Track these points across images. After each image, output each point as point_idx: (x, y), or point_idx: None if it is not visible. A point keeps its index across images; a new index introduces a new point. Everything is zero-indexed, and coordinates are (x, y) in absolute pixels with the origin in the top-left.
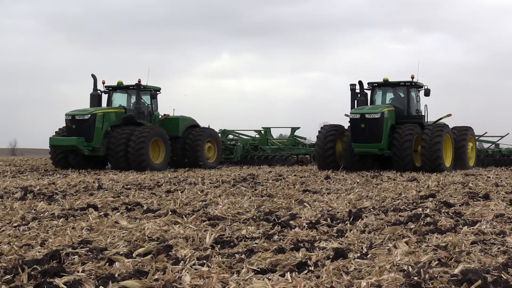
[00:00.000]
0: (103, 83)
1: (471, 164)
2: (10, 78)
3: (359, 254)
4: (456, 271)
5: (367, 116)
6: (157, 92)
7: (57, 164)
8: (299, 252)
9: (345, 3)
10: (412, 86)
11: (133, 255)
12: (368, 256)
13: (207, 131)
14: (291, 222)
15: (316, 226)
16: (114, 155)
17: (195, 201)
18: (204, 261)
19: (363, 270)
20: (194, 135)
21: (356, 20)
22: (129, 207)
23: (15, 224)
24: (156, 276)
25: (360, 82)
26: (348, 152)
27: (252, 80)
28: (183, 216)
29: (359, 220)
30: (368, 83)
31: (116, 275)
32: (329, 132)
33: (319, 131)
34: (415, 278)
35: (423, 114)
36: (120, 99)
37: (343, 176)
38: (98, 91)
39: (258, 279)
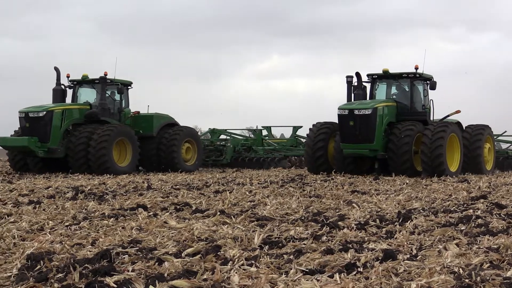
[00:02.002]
0: (68, 77)
1: (488, 167)
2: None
3: (408, 256)
4: (509, 273)
5: (356, 112)
6: (128, 87)
7: (15, 167)
8: (347, 253)
9: (396, 3)
10: (416, 78)
11: (182, 255)
12: (417, 258)
13: (185, 130)
14: (339, 223)
15: (365, 227)
16: (74, 157)
17: (244, 201)
18: (253, 262)
19: (412, 271)
20: (169, 135)
21: (407, 19)
22: (178, 207)
23: (67, 224)
24: (204, 276)
25: (358, 74)
26: (339, 153)
27: (302, 80)
28: (232, 216)
29: (409, 221)
30: (368, 75)
31: (165, 275)
32: (321, 130)
33: (309, 129)
34: (466, 280)
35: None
36: (87, 95)
37: (392, 177)
38: (62, 86)
39: (306, 280)
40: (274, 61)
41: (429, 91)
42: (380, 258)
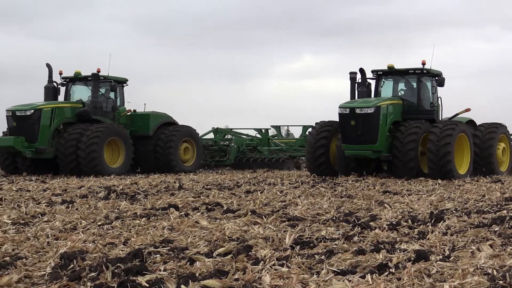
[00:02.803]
0: (60, 73)
1: (503, 169)
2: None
3: (441, 257)
4: None
5: (357, 111)
6: (124, 84)
7: (5, 168)
8: (379, 254)
9: (428, 2)
10: (423, 74)
11: (214, 254)
12: (450, 259)
13: (183, 129)
14: (371, 223)
15: (397, 227)
16: (64, 158)
17: (275, 201)
18: (284, 262)
19: (445, 273)
20: (166, 134)
21: (439, 19)
22: (209, 207)
23: (99, 223)
24: (236, 276)
25: (362, 70)
26: (341, 154)
27: (333, 80)
28: (263, 216)
29: (441, 222)
30: (372, 71)
31: (197, 275)
32: (322, 129)
33: (311, 128)
34: (500, 282)
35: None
36: (80, 93)
37: (424, 177)
38: (54, 83)
39: (338, 280)
40: (305, 61)
41: (438, 88)
42: (412, 259)
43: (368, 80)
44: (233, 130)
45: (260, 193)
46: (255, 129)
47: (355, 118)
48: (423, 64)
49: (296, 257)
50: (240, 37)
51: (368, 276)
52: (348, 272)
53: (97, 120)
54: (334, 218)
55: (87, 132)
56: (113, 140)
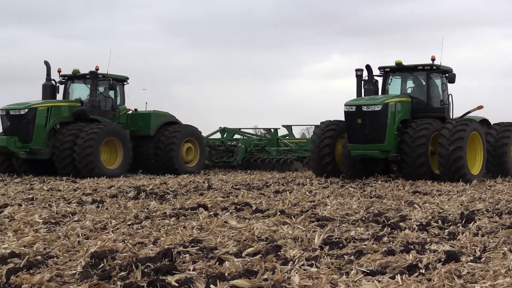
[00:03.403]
0: (59, 71)
1: None
2: (130, 82)
3: (472, 258)
4: None
5: (364, 108)
6: (124, 83)
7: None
8: (409, 254)
9: (456, 2)
10: (433, 70)
11: (243, 254)
12: (481, 260)
13: (185, 129)
14: (401, 223)
15: (427, 228)
16: (59, 159)
17: (304, 201)
18: (313, 262)
19: (476, 274)
20: (168, 134)
21: (466, 18)
22: (239, 207)
23: (129, 223)
24: (265, 276)
25: (368, 67)
26: (347, 155)
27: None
28: (292, 216)
29: (472, 223)
30: (379, 68)
31: (226, 274)
32: (328, 129)
33: (315, 128)
34: None
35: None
36: (79, 91)
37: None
38: (52, 81)
39: (367, 281)
40: (334, 61)
41: (448, 84)
42: (442, 259)
43: (375, 77)
44: (241, 130)
45: (289, 193)
46: (264, 129)
47: (361, 116)
48: (433, 60)
49: (325, 257)
50: (268, 37)
51: (398, 277)
52: (377, 273)
53: (95, 120)
54: (363, 218)
55: (82, 132)
56: (111, 141)
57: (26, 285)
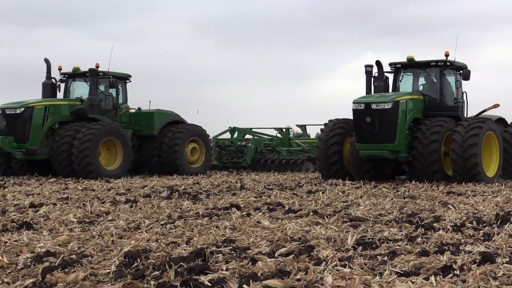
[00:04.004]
0: (60, 69)
1: None
2: (163, 81)
3: (507, 259)
4: None
5: (373, 106)
6: (126, 81)
7: None
8: (443, 255)
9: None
10: (446, 67)
11: (275, 254)
12: None
13: (190, 129)
14: (434, 224)
15: (461, 229)
16: (57, 159)
17: (336, 201)
18: (346, 262)
19: None
20: (172, 134)
21: (503, 16)
22: (271, 207)
23: (162, 222)
24: (298, 276)
25: (378, 62)
26: (356, 156)
27: None
28: (325, 216)
29: (507, 224)
30: (390, 64)
31: (259, 274)
32: (335, 128)
33: (321, 128)
34: None
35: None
36: (80, 89)
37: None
38: (53, 80)
39: (401, 282)
40: (368, 60)
41: (463, 82)
42: (477, 261)
43: (386, 74)
44: (253, 129)
45: (322, 193)
46: (275, 129)
47: (370, 114)
48: (446, 55)
49: (358, 258)
50: (302, 37)
51: (432, 278)
52: (411, 274)
53: (95, 119)
54: (396, 218)
55: (80, 132)
56: (110, 140)
57: (61, 284)
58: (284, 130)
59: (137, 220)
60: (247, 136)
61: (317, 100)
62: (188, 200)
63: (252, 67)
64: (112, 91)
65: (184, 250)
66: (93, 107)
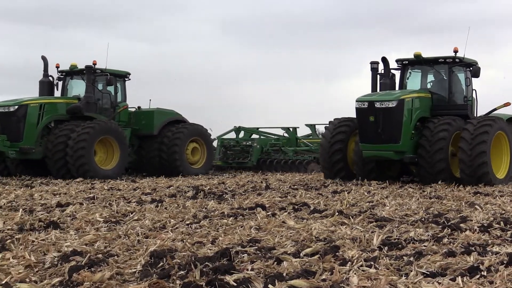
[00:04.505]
0: (57, 67)
1: None
2: (189, 82)
3: None
4: None
5: (377, 105)
6: (125, 78)
7: None
8: (470, 256)
9: None
10: (455, 63)
11: (301, 255)
12: None
13: (191, 128)
14: (461, 225)
15: (488, 229)
16: (52, 158)
17: (362, 202)
18: (372, 263)
19: None
20: (172, 133)
21: None
22: (296, 207)
23: (188, 222)
24: (323, 277)
25: (384, 59)
26: (360, 156)
27: None
28: (350, 217)
29: None
30: (397, 61)
31: (284, 274)
32: (338, 129)
33: (325, 127)
34: None
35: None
36: (78, 87)
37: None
38: (50, 77)
39: (427, 283)
40: (393, 60)
41: (473, 79)
42: (505, 262)
43: (392, 71)
44: (259, 129)
45: (347, 193)
46: (282, 128)
47: (374, 113)
48: (455, 51)
49: (384, 258)
50: (327, 37)
51: (459, 279)
52: (438, 275)
53: (91, 118)
54: (423, 219)
55: (76, 129)
56: (107, 139)
57: (88, 283)
58: (291, 129)
59: (162, 220)
60: (254, 136)
61: (341, 101)
62: (213, 200)
63: (277, 67)
64: (111, 89)
65: (210, 250)
66: (90, 105)
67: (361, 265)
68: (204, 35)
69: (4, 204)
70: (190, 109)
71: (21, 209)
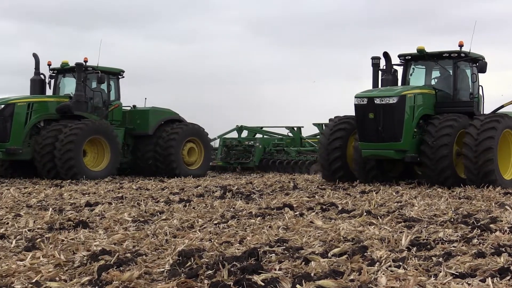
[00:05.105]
0: (49, 65)
1: None
2: (217, 81)
3: None
4: None
5: (377, 101)
6: (119, 76)
7: None
8: (500, 257)
9: None
10: (460, 58)
11: (329, 255)
12: None
13: (187, 128)
14: (491, 225)
15: None
16: (40, 160)
17: (390, 202)
18: (400, 263)
19: None
20: (167, 133)
21: None
22: (324, 207)
23: (215, 222)
24: (351, 277)
25: (386, 54)
26: (359, 155)
27: None
28: (378, 217)
29: None
30: (399, 56)
31: (312, 274)
32: (338, 125)
33: (324, 125)
34: None
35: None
36: (71, 86)
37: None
38: (41, 76)
39: (456, 284)
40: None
41: (479, 75)
42: None
43: (395, 67)
44: (263, 128)
45: (376, 193)
46: (286, 127)
47: (374, 110)
48: (460, 46)
49: (413, 258)
50: (355, 36)
51: (489, 280)
52: (467, 276)
53: (81, 117)
54: (452, 219)
55: (64, 130)
56: (97, 140)
57: (116, 282)
58: (295, 129)
59: (190, 220)
60: (259, 136)
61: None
62: (241, 199)
63: (303, 66)
64: (104, 87)
65: (237, 249)
66: (80, 104)
67: (390, 266)
68: (231, 35)
69: (34, 203)
70: (215, 109)
71: (51, 209)
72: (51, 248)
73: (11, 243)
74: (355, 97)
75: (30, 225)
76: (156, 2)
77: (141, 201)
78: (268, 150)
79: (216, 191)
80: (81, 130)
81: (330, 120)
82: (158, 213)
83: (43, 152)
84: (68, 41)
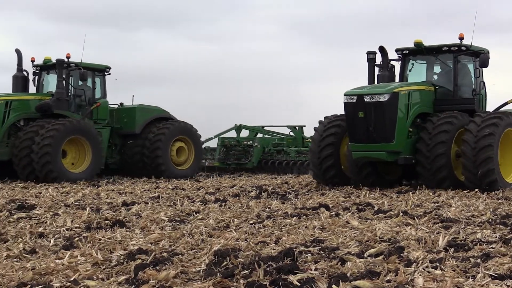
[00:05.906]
0: (32, 61)
1: None
2: (254, 81)
3: None
4: None
5: (367, 99)
6: (105, 73)
7: None
8: None
9: None
10: (461, 52)
11: (365, 255)
12: None
13: (176, 126)
14: None
15: None
16: (18, 161)
17: (427, 202)
18: (437, 264)
19: None
20: (155, 132)
21: None
22: (360, 207)
23: (251, 222)
24: (388, 278)
25: (382, 48)
26: (353, 160)
27: (499, 79)
28: (415, 217)
29: None
30: (396, 50)
31: (348, 275)
32: (330, 126)
33: (315, 127)
34: None
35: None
36: (55, 83)
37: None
38: (24, 72)
39: (495, 285)
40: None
41: (482, 70)
42: None
43: (392, 62)
44: (264, 127)
45: (412, 193)
46: (288, 127)
47: (364, 108)
48: (461, 38)
49: (450, 259)
50: (396, 36)
51: None
52: (506, 277)
53: (61, 115)
54: (490, 220)
55: (41, 130)
56: (77, 140)
57: (153, 281)
58: (297, 128)
59: (226, 219)
60: (259, 135)
61: None
62: (276, 199)
63: (340, 66)
64: (89, 85)
65: (273, 249)
66: (61, 102)
67: (427, 267)
68: (268, 35)
69: (72, 202)
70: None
71: (88, 208)
72: (88, 247)
73: (50, 242)
74: (344, 95)
75: (68, 224)
76: (193, 2)
77: (177, 200)
78: (267, 150)
79: (251, 191)
80: (57, 131)
81: (320, 122)
82: (194, 213)
83: (21, 155)
84: (107, 42)
